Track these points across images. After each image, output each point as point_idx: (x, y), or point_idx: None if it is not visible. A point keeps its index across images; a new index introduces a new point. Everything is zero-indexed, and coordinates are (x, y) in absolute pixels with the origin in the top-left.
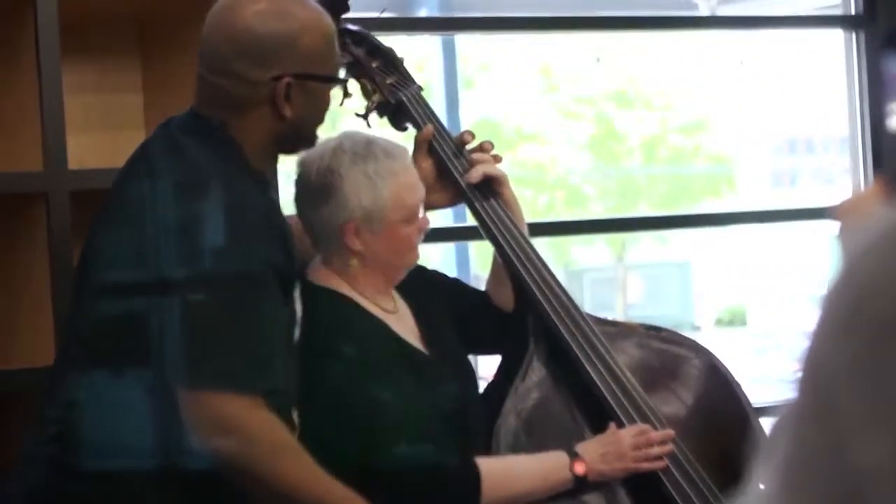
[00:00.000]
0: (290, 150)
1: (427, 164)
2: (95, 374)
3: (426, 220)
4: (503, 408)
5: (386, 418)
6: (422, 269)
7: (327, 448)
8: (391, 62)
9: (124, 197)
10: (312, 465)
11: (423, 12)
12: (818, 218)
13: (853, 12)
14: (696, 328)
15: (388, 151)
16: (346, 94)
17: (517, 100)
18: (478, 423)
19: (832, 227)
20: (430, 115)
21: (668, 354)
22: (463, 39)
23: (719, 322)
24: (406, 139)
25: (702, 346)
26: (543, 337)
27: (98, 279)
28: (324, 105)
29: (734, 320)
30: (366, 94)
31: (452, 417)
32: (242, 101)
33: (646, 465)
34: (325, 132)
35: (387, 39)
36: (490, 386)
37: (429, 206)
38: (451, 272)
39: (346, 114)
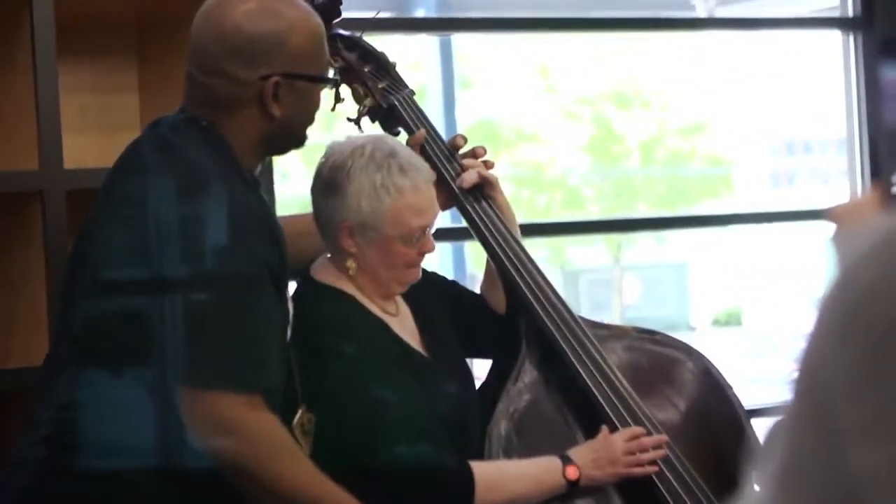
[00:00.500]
0: (279, 151)
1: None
2: (88, 374)
3: (430, 244)
4: (495, 410)
5: (383, 419)
6: (421, 271)
7: (324, 445)
8: (383, 66)
9: (116, 196)
10: (310, 466)
11: (420, 12)
12: (815, 219)
13: (851, 14)
14: (692, 329)
15: (405, 168)
16: (339, 99)
17: (515, 100)
18: (475, 427)
19: (827, 230)
20: (423, 119)
21: (660, 358)
22: (460, 39)
23: (715, 323)
24: (425, 170)
25: (694, 350)
26: (536, 340)
27: (91, 278)
28: (313, 105)
29: (730, 321)
30: (357, 98)
31: (449, 420)
32: (231, 101)
33: (638, 471)
34: (318, 135)
35: (384, 40)
36: (481, 388)
37: None
38: (448, 272)
39: (339, 118)
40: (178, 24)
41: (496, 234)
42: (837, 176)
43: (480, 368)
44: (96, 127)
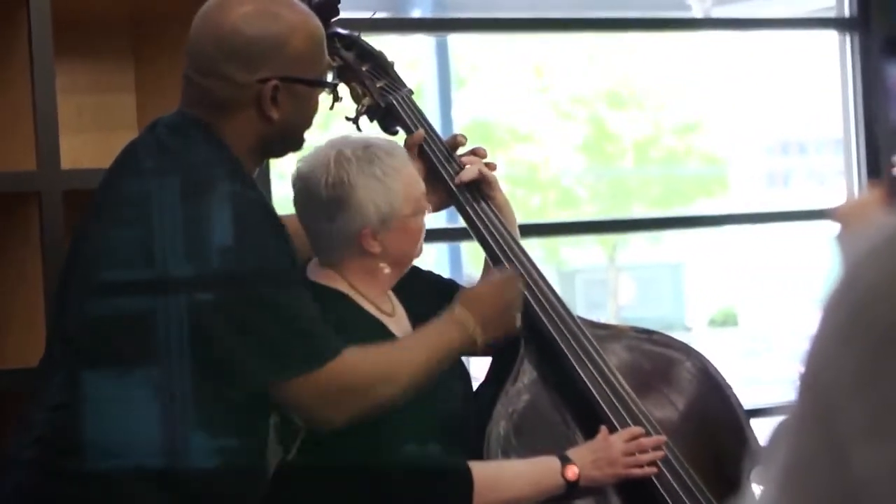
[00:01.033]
0: (276, 154)
1: (417, 167)
2: (83, 376)
3: (427, 205)
4: (494, 411)
5: (380, 419)
6: (417, 271)
7: (323, 445)
8: (381, 65)
9: (118, 197)
10: (402, 345)
11: (416, 13)
12: (811, 219)
13: (847, 14)
14: (688, 329)
15: (388, 150)
16: (336, 98)
17: (510, 100)
18: (472, 427)
19: (831, 230)
20: (421, 119)
21: (659, 357)
22: (456, 40)
23: (711, 323)
24: (396, 142)
25: (693, 349)
26: (535, 340)
27: (91, 279)
28: (311, 109)
29: (726, 321)
30: (356, 97)
31: (446, 420)
32: (229, 103)
33: (637, 472)
34: (316, 135)
35: (380, 40)
36: (480, 388)
37: None
38: (444, 272)
39: (337, 117)
40: (174, 24)
41: (494, 234)
42: (833, 176)
43: (478, 368)
44: (93, 127)
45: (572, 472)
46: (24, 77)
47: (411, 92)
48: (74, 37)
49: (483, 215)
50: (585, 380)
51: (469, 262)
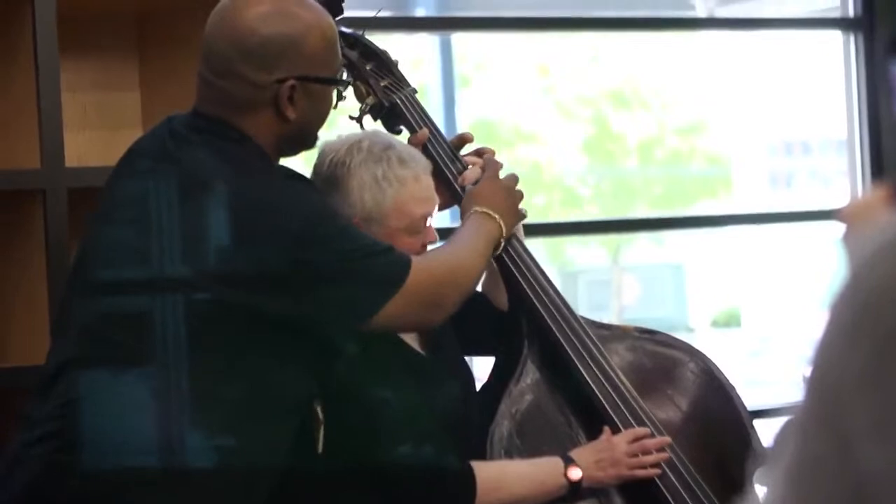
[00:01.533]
0: (291, 152)
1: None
2: (92, 374)
3: (433, 234)
4: (497, 411)
5: (383, 420)
6: None
7: (328, 445)
8: (385, 64)
9: (147, 194)
10: (452, 242)
11: (420, 11)
12: (815, 220)
13: (851, 15)
14: (691, 330)
15: (404, 159)
16: (340, 97)
17: (513, 100)
18: (476, 427)
19: (836, 230)
20: (425, 118)
21: (662, 358)
22: (460, 39)
23: (714, 324)
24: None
25: (696, 350)
26: (538, 340)
27: (111, 277)
28: (326, 107)
29: (729, 322)
30: (359, 96)
31: (450, 421)
32: (246, 103)
33: (641, 473)
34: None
35: (384, 39)
36: (484, 388)
37: None
38: None
39: (340, 116)
40: (179, 22)
41: None
42: (836, 177)
43: (481, 368)
44: (98, 125)
45: (575, 472)
46: (28, 74)
47: (415, 91)
48: (79, 34)
49: None
50: (589, 380)
51: None
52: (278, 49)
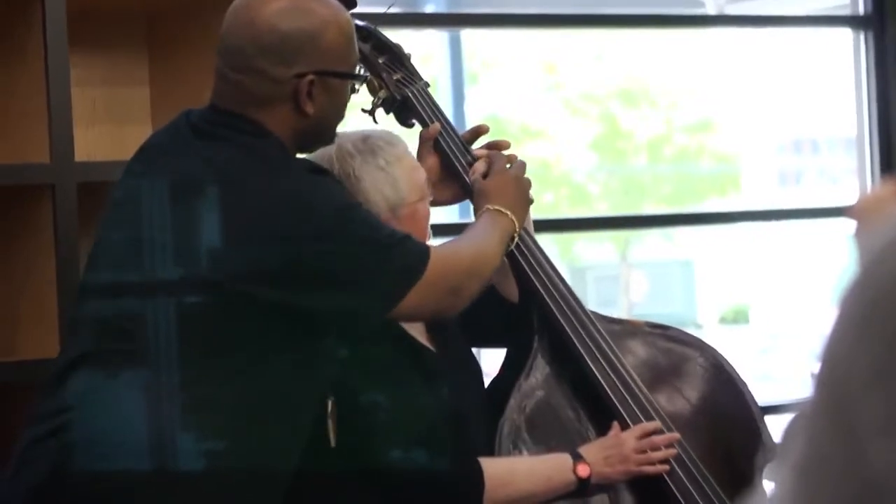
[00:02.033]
0: (308, 148)
1: (432, 160)
2: (105, 372)
3: (431, 191)
4: (507, 406)
5: (390, 416)
6: None
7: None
8: (398, 58)
9: (172, 191)
10: (466, 235)
11: (429, 8)
12: (823, 217)
13: (861, 12)
14: (699, 327)
15: (387, 140)
16: (353, 90)
17: (522, 96)
18: (484, 422)
19: (846, 226)
20: (437, 112)
21: (673, 353)
22: (469, 35)
23: (723, 320)
24: (411, 135)
25: (707, 345)
26: (548, 334)
27: (149, 273)
28: (344, 101)
29: (738, 319)
30: (372, 90)
31: (459, 417)
32: (265, 98)
33: (649, 469)
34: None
35: (393, 35)
36: (494, 382)
37: (434, 203)
38: None
39: (352, 109)
40: (189, 18)
41: None
42: (845, 174)
43: (490, 363)
44: (107, 120)
45: (584, 469)
46: (38, 69)
47: (427, 85)
48: (89, 29)
49: None
50: (598, 376)
51: None
52: (297, 44)
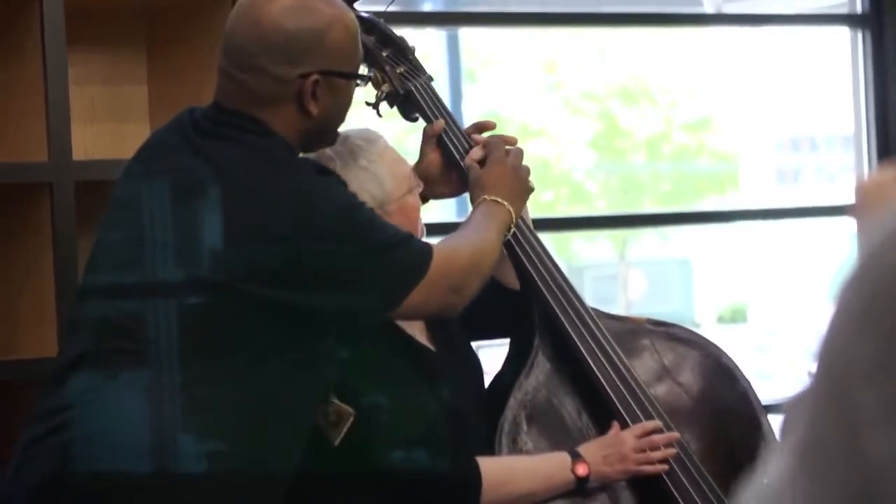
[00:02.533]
0: (311, 148)
1: (435, 155)
2: (106, 372)
3: (419, 181)
4: (507, 404)
5: (390, 416)
6: None
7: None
8: (402, 51)
9: (176, 190)
10: (465, 229)
11: (428, 6)
12: (821, 216)
13: (859, 11)
14: (697, 325)
15: (366, 138)
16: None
17: (521, 95)
18: (483, 420)
19: (850, 210)
20: (440, 106)
21: (674, 350)
22: (467, 34)
23: (721, 319)
24: (415, 130)
25: (709, 341)
26: (549, 332)
27: (153, 272)
28: (348, 102)
29: (735, 318)
30: (375, 83)
31: (458, 416)
32: (269, 98)
33: (648, 469)
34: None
35: None
36: (496, 378)
37: (436, 197)
38: None
39: (356, 103)
40: (187, 16)
41: None
42: (843, 173)
43: (490, 361)
44: (105, 118)
45: (583, 468)
46: (36, 67)
47: (431, 79)
48: (87, 27)
49: None
50: (598, 374)
51: None
52: (302, 44)
